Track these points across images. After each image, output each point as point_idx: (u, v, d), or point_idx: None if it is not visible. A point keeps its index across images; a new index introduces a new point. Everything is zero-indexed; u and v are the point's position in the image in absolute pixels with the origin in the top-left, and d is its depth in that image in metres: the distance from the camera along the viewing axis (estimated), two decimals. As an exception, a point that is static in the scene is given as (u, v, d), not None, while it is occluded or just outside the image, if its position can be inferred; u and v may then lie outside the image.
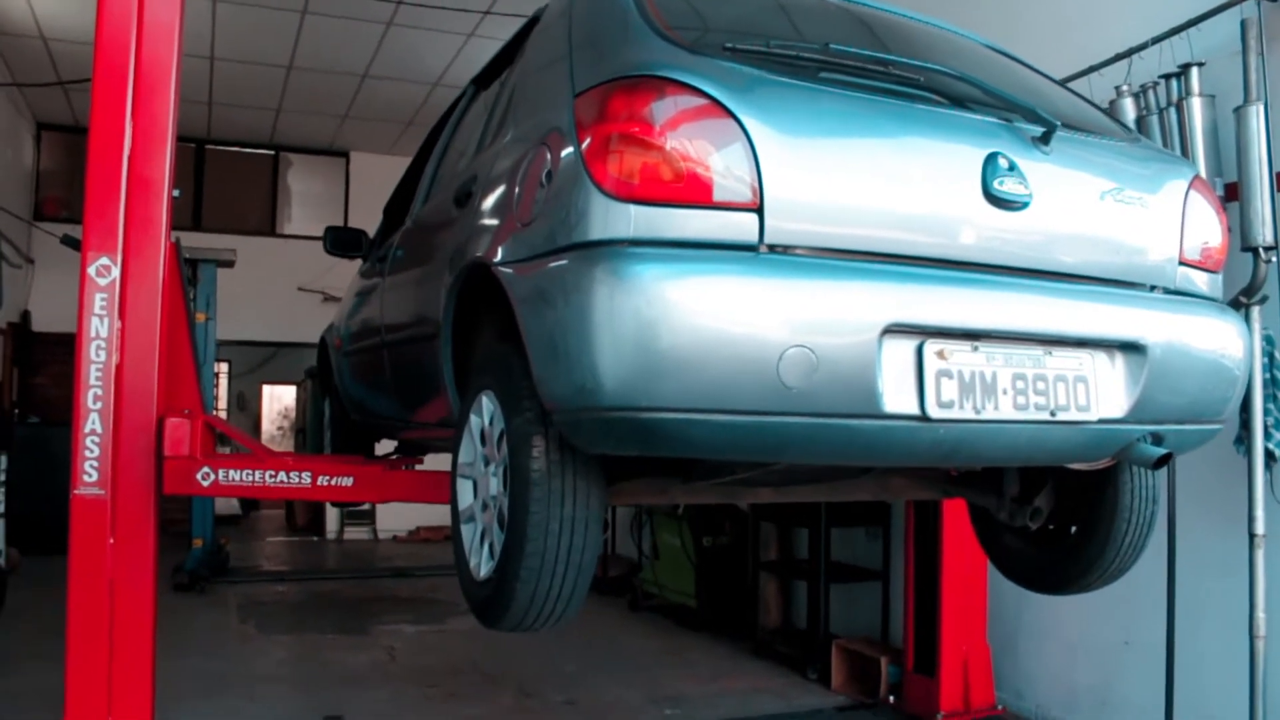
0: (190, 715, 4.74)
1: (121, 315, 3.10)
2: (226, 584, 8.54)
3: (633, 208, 1.82)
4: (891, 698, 5.12)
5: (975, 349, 1.98)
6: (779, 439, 1.86)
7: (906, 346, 1.91)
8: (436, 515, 10.78)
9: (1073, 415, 2.07)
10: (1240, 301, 3.62)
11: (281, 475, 3.40)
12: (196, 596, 7.95)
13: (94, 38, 3.17)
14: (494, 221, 2.32)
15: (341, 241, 4.15)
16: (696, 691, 5.46)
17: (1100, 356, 2.13)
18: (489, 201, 2.39)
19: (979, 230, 2.04)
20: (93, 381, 3.05)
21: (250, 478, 3.37)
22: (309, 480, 3.39)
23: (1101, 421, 2.11)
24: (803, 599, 6.20)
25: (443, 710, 5.03)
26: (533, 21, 2.76)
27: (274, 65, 9.35)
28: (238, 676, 5.62)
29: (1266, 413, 3.65)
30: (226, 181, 11.94)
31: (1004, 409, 1.99)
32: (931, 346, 1.93)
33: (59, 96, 9.91)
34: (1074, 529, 2.76)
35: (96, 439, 3.05)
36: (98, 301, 3.07)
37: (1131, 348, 2.14)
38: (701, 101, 1.86)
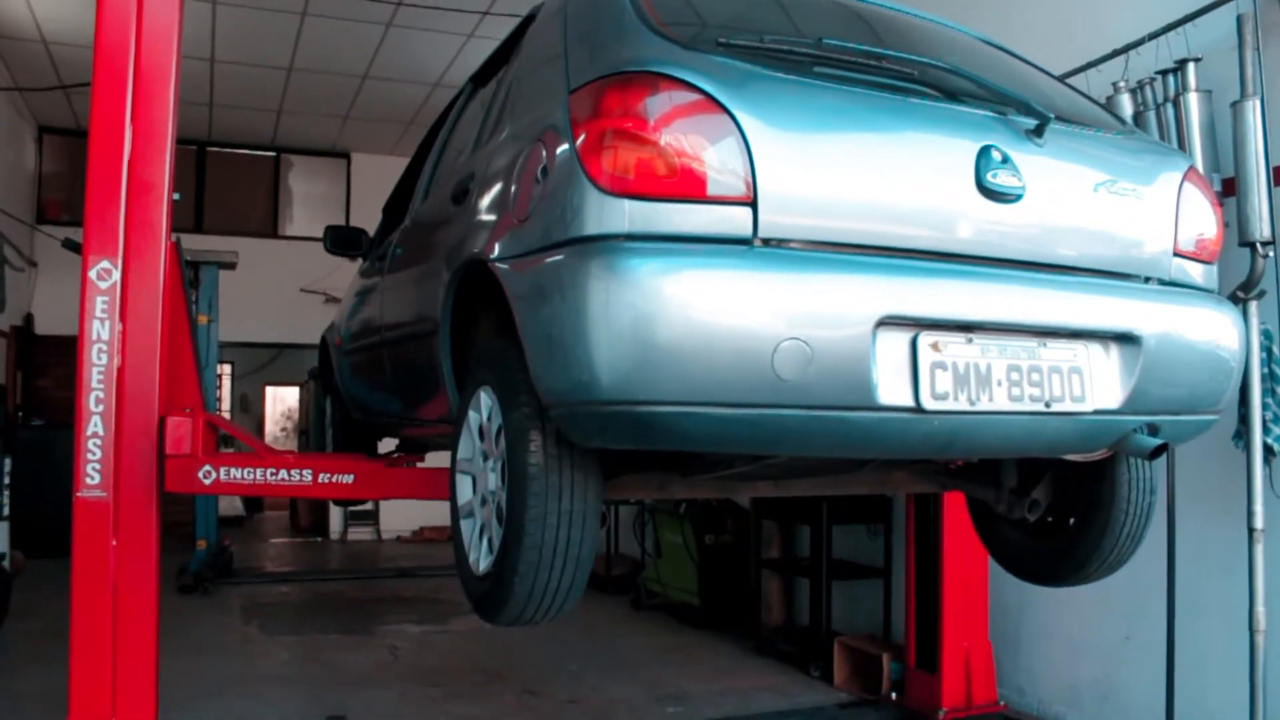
0: (194, 716, 4.75)
1: (123, 318, 3.11)
2: (230, 585, 8.56)
3: (627, 203, 1.83)
4: (894, 694, 5.13)
5: (970, 341, 1.99)
6: (774, 431, 1.87)
7: (901, 338, 1.92)
8: (441, 515, 10.72)
9: (1067, 406, 2.08)
10: (1238, 296, 3.62)
11: (283, 473, 3.41)
12: (200, 598, 7.97)
13: (93, 42, 3.19)
14: (491, 218, 2.33)
15: (341, 240, 4.17)
16: (699, 689, 5.46)
17: (1095, 348, 2.14)
18: (486, 198, 2.41)
19: (973, 223, 2.05)
20: (94, 384, 3.06)
21: (252, 475, 3.38)
22: (310, 478, 3.40)
23: (1096, 412, 2.12)
24: (805, 596, 6.20)
25: (446, 709, 5.04)
26: (529, 19, 2.77)
27: (274, 67, 9.37)
28: (241, 677, 5.64)
29: (1265, 407, 3.66)
30: (228, 183, 11.95)
31: (998, 400, 2.00)
32: (926, 338, 1.94)
33: (60, 99, 9.93)
34: (1072, 520, 2.76)
35: (98, 442, 3.06)
36: (99, 305, 3.08)
37: (1126, 339, 2.15)
38: (695, 97, 1.87)
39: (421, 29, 8.40)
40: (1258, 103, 3.61)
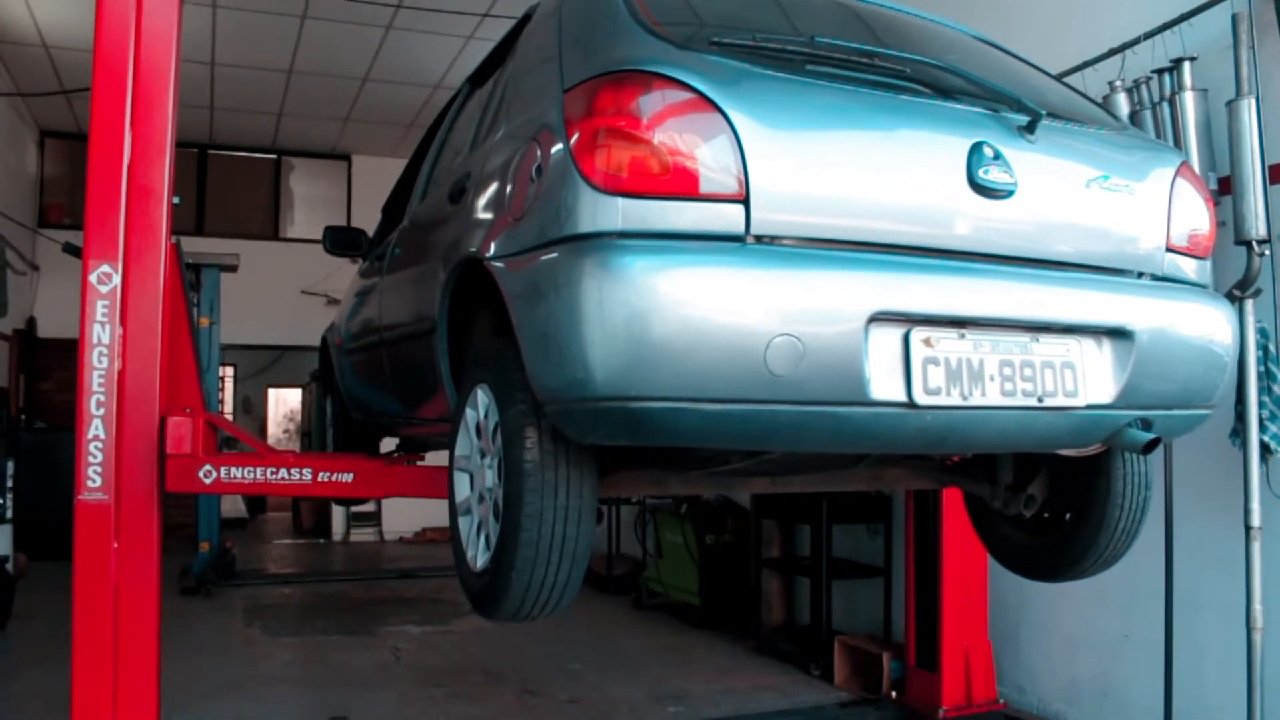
0: (196, 717, 4.77)
1: (123, 322, 3.11)
2: (232, 587, 8.58)
3: (621, 201, 1.84)
4: (894, 693, 5.14)
5: (962, 336, 2.00)
6: (767, 427, 1.88)
7: (893, 334, 1.93)
8: (442, 516, 10.63)
9: (1060, 401, 2.08)
10: (1234, 295, 3.63)
11: (283, 472, 3.41)
12: (203, 599, 7.99)
13: (93, 47, 3.21)
14: (487, 217, 2.35)
15: (341, 241, 4.18)
16: (700, 689, 5.48)
17: (1088, 343, 2.15)
18: (482, 198, 2.42)
19: (965, 219, 2.06)
20: (95, 388, 3.07)
21: (252, 475, 3.38)
22: (310, 477, 3.41)
23: (1089, 407, 2.12)
24: (805, 596, 6.21)
25: (448, 710, 5.05)
26: (525, 19, 2.79)
27: (275, 70, 9.39)
28: (243, 679, 5.65)
29: (1261, 405, 3.66)
30: (229, 186, 11.98)
31: (991, 395, 2.01)
32: (918, 334, 1.95)
33: (62, 104, 9.97)
34: (1068, 516, 2.77)
35: (100, 445, 3.06)
36: (99, 308, 3.09)
37: (1119, 334, 2.16)
38: (688, 95, 1.88)
39: (421, 31, 8.42)
40: (1253, 101, 3.62)
